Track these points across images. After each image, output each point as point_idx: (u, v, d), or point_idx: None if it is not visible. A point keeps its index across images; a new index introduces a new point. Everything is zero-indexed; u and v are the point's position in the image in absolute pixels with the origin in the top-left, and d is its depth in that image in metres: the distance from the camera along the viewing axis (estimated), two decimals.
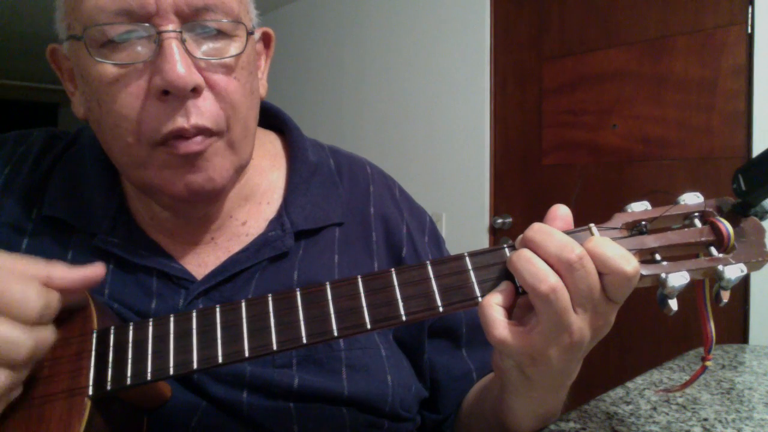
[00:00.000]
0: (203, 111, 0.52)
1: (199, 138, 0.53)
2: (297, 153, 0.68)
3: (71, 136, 0.67)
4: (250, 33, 0.57)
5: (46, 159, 0.64)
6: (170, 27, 0.50)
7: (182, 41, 0.51)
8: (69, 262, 0.58)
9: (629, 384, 0.71)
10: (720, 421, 0.59)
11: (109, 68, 0.51)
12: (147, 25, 0.50)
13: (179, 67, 0.49)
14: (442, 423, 0.69)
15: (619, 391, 0.68)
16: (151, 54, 0.50)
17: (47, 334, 0.44)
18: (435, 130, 2.44)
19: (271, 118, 0.72)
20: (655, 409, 0.62)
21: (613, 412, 0.61)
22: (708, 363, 0.45)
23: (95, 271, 0.47)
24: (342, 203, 0.67)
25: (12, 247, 0.59)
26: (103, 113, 0.53)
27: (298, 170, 0.67)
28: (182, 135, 0.52)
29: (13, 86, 5.41)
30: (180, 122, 0.51)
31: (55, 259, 0.58)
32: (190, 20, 0.52)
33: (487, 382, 0.66)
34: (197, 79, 0.51)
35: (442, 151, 2.41)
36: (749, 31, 1.65)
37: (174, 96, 0.51)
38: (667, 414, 0.61)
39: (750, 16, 1.65)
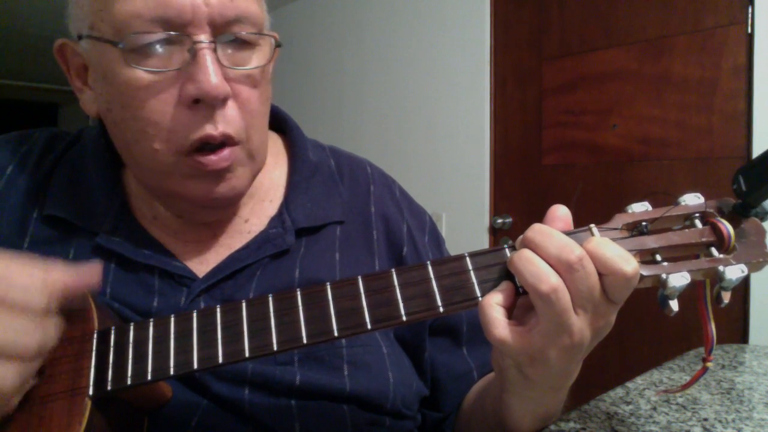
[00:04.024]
0: (229, 119, 0.54)
1: (225, 152, 0.54)
2: (297, 152, 0.69)
3: (73, 136, 0.68)
4: (278, 45, 0.58)
5: (48, 159, 0.64)
6: (204, 37, 0.51)
7: (215, 51, 0.52)
8: (71, 261, 0.59)
9: (629, 384, 0.71)
10: (720, 421, 0.59)
11: (140, 74, 0.51)
12: (181, 34, 0.51)
13: (213, 77, 0.51)
14: (442, 422, 0.69)
15: (619, 391, 0.68)
16: (184, 63, 0.51)
17: (54, 325, 0.44)
18: (435, 130, 2.43)
19: (271, 118, 0.72)
20: (655, 409, 0.62)
21: (613, 412, 0.61)
22: (709, 364, 0.45)
23: (93, 271, 0.47)
24: (342, 202, 0.67)
25: (14, 246, 0.59)
26: (128, 117, 0.53)
27: (299, 169, 0.67)
28: (209, 142, 0.53)
29: (13, 86, 5.40)
30: (208, 129, 0.53)
31: (57, 258, 0.58)
32: (222, 31, 0.52)
33: (487, 381, 0.66)
34: (228, 89, 0.53)
35: (442, 151, 2.41)
36: (749, 31, 1.65)
37: (203, 104, 0.52)
38: (667, 414, 0.61)
39: (750, 16, 1.65)
